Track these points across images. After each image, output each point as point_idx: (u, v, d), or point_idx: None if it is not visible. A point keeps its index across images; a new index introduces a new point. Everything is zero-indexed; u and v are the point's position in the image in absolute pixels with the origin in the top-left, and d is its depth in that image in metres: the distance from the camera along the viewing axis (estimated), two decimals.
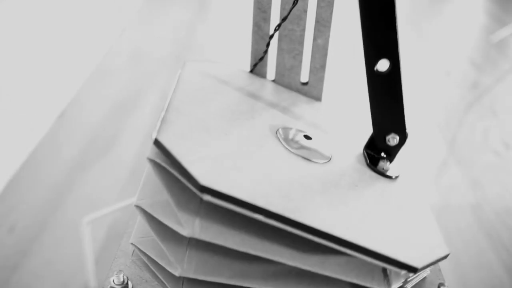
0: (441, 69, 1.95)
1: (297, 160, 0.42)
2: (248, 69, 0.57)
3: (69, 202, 1.17)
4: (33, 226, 1.09)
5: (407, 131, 0.47)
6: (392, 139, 0.47)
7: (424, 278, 0.44)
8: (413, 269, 0.35)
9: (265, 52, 0.54)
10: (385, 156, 0.48)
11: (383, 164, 0.47)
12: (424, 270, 0.43)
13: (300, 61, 0.56)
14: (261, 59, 0.54)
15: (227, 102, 0.47)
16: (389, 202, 0.42)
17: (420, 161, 1.34)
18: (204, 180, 0.33)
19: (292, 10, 0.51)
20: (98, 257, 1.00)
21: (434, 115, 1.61)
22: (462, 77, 1.88)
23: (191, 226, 0.35)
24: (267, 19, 0.53)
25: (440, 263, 0.47)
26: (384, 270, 0.38)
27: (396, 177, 0.46)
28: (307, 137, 0.47)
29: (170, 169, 0.35)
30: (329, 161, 0.44)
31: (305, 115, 0.52)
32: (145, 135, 1.43)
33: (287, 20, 0.52)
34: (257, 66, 0.56)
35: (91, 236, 1.03)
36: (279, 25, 0.51)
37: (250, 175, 0.37)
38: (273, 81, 0.57)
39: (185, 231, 0.35)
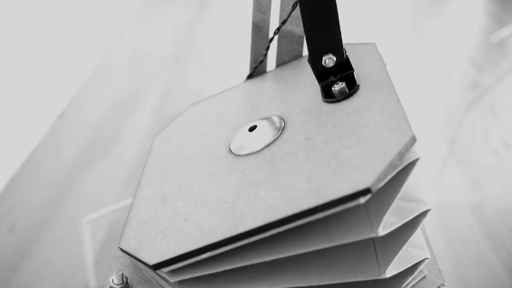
0: (441, 69, 1.95)
1: (246, 162, 0.43)
2: (246, 70, 0.57)
3: (69, 202, 1.17)
4: (33, 226, 1.09)
5: (344, 51, 0.44)
6: (329, 60, 0.44)
7: (424, 278, 0.44)
8: (364, 192, 0.33)
9: (265, 55, 0.54)
10: (336, 80, 0.44)
11: (336, 87, 0.43)
12: (422, 261, 0.42)
13: None
14: (261, 62, 0.55)
15: (188, 153, 0.49)
16: (344, 127, 0.40)
17: (420, 161, 1.34)
18: (153, 261, 0.38)
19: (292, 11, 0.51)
20: (98, 257, 1.01)
21: (434, 115, 1.61)
22: (462, 77, 1.88)
23: None
24: (266, 20, 0.53)
25: (440, 263, 0.47)
26: (368, 218, 0.36)
27: (355, 90, 0.43)
28: (251, 128, 0.47)
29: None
30: (282, 131, 0.44)
31: (269, 100, 0.51)
32: (145, 135, 1.43)
33: (286, 21, 0.52)
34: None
35: (91, 236, 1.03)
36: (278, 29, 0.51)
37: (196, 221, 0.40)
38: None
39: None
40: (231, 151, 0.46)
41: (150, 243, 0.40)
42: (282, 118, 0.46)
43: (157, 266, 0.38)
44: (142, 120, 1.52)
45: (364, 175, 0.34)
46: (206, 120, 0.53)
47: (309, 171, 0.37)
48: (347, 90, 0.43)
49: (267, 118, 0.47)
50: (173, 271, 0.39)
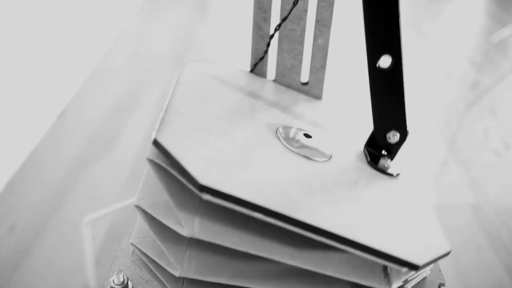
0: (441, 69, 1.95)
1: (297, 159, 0.43)
2: (248, 69, 0.57)
3: (69, 202, 1.17)
4: (33, 226, 1.09)
5: (407, 128, 0.47)
6: (393, 136, 0.47)
7: (424, 278, 0.44)
8: (414, 267, 0.35)
9: (265, 52, 0.54)
10: (385, 153, 0.48)
11: (383, 162, 0.47)
12: (425, 270, 0.43)
13: (300, 61, 0.56)
14: (261, 59, 0.55)
15: (227, 102, 0.47)
16: (390, 200, 0.42)
17: (420, 161, 1.35)
18: (203, 180, 0.33)
19: (292, 10, 0.51)
20: (98, 257, 1.01)
21: (434, 115, 1.61)
22: (462, 77, 1.89)
23: (190, 226, 0.35)
24: (267, 19, 0.53)
25: (440, 263, 0.47)
26: (385, 269, 0.38)
27: (397, 175, 0.47)
28: (307, 135, 0.47)
29: (169, 169, 0.36)
30: (329, 159, 0.45)
31: (305, 113, 0.52)
32: (145, 135, 1.43)
33: (287, 20, 0.52)
34: (257, 66, 0.56)
35: (91, 236, 1.03)
36: (279, 25, 0.51)
37: (250, 175, 0.37)
38: (274, 81, 0.57)
39: (184, 231, 0.35)
40: (279, 138, 0.45)
41: (197, 160, 0.35)
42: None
43: (204, 188, 0.33)
44: (142, 120, 1.52)
45: (414, 252, 0.37)
46: (246, 89, 0.51)
47: (363, 214, 0.39)
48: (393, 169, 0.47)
49: (320, 137, 0.48)
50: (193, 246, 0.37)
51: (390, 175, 0.46)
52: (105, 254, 1.01)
